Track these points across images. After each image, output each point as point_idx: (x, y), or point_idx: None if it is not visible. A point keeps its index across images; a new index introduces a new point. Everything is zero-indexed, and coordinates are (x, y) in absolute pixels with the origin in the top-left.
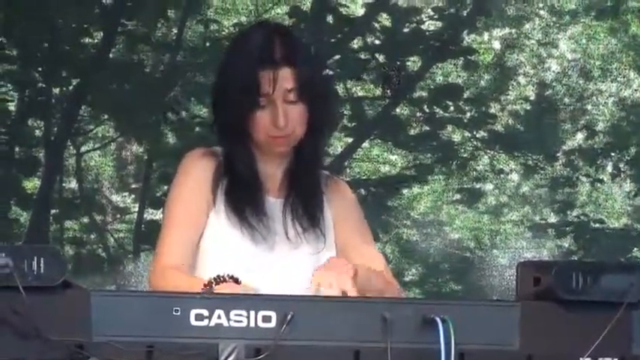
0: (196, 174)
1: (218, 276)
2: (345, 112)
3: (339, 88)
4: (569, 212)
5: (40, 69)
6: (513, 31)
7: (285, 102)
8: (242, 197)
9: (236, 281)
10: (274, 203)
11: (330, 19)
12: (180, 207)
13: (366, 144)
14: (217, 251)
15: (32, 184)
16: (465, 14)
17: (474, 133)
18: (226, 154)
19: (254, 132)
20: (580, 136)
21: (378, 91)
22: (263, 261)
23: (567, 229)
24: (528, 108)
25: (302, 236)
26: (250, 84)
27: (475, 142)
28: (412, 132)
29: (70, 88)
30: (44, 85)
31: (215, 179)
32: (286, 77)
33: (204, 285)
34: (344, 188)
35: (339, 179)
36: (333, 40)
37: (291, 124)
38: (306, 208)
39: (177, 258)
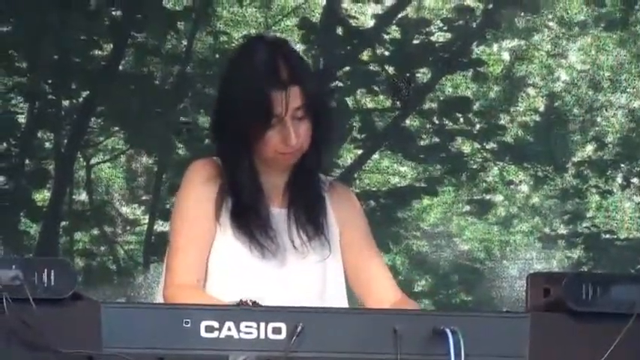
0: (201, 190)
1: (240, 300)
2: (355, 124)
3: (349, 100)
4: (578, 223)
5: (49, 81)
6: (522, 42)
7: (293, 119)
8: (248, 213)
9: (257, 305)
10: (279, 213)
11: (339, 30)
12: (188, 222)
13: (375, 155)
14: (227, 269)
15: (42, 196)
16: (474, 26)
17: (484, 144)
18: (230, 169)
19: (263, 150)
20: (590, 148)
21: (388, 103)
22: (274, 276)
23: (577, 240)
24: (538, 119)
25: (308, 245)
26: (262, 106)
27: (485, 154)
28: (422, 143)
29: (80, 100)
30: (54, 97)
31: (219, 197)
32: (295, 96)
33: None
34: (348, 193)
35: (342, 185)
36: (342, 52)
37: (300, 141)
38: (309, 216)
39: (191, 276)
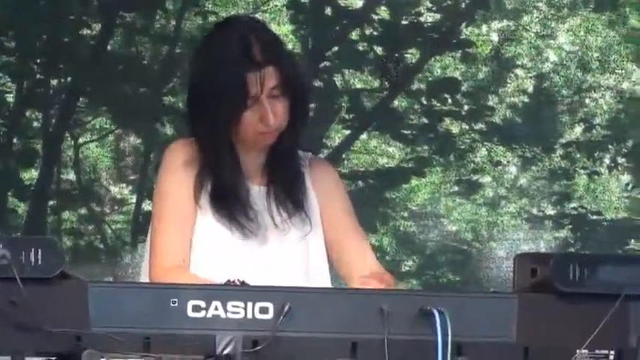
0: (181, 173)
1: (228, 280)
2: (343, 104)
3: (337, 80)
4: (566, 204)
5: (38, 61)
6: (511, 23)
7: (270, 98)
8: (228, 195)
9: (245, 285)
10: (258, 191)
11: (328, 11)
12: (170, 204)
13: (364, 136)
14: (209, 251)
15: (30, 176)
16: (463, 6)
17: (472, 125)
18: (208, 151)
19: (242, 131)
20: (578, 129)
21: (376, 83)
22: (256, 255)
23: (565, 221)
24: (526, 100)
25: (288, 222)
26: (238, 87)
27: (473, 135)
28: (410, 124)
29: (68, 79)
30: (42, 77)
31: (199, 180)
32: (270, 76)
33: None
34: (328, 169)
35: (323, 160)
36: (331, 32)
37: (278, 119)
38: (289, 193)
39: (177, 257)
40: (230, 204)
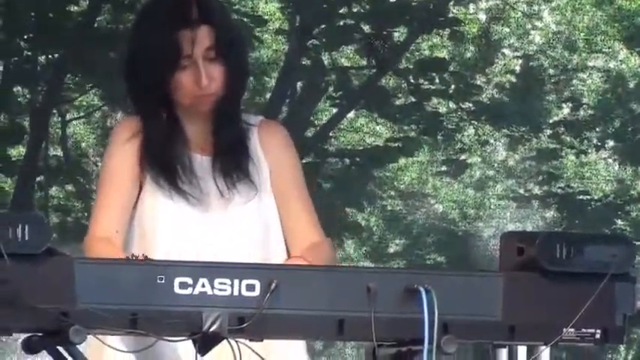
0: (124, 148)
1: (132, 255)
2: (331, 82)
3: (325, 58)
4: (553, 184)
5: (25, 37)
6: (499, 2)
7: (205, 60)
8: (165, 162)
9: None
10: (203, 160)
11: None
12: (110, 177)
13: (351, 114)
14: (153, 221)
15: (17, 152)
16: None
17: (460, 104)
18: (148, 122)
19: (178, 95)
20: (565, 109)
21: (364, 62)
22: (199, 222)
23: (551, 200)
24: (514, 80)
25: (234, 190)
26: (170, 46)
27: (460, 114)
28: (397, 103)
29: (56, 56)
30: (30, 54)
31: (142, 153)
32: (205, 36)
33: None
34: (278, 132)
35: (275, 124)
36: (319, 10)
37: (214, 83)
38: (234, 162)
39: (110, 227)
40: (170, 171)
